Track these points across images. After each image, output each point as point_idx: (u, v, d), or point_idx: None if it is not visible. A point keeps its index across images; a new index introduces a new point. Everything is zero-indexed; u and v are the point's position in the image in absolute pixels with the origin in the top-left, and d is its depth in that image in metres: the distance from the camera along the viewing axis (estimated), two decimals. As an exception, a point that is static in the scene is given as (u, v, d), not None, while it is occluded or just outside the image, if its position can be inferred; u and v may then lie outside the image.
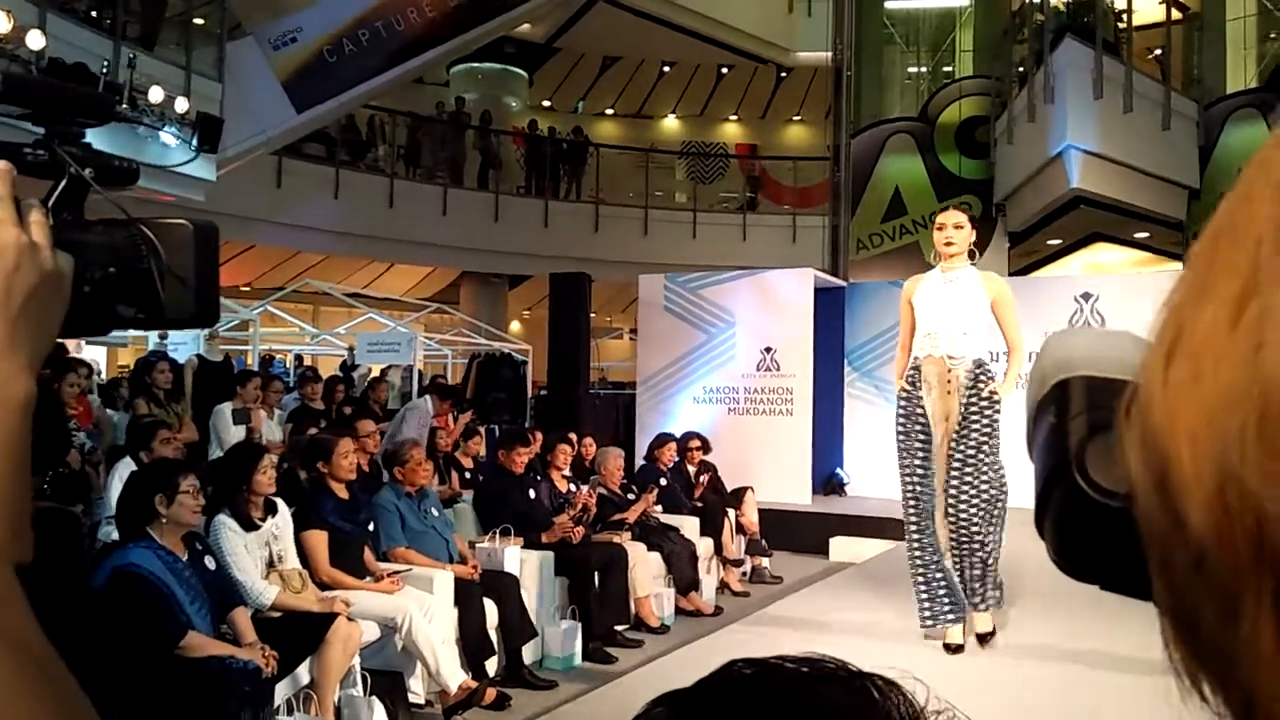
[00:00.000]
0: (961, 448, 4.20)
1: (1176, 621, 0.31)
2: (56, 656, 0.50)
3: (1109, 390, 0.48)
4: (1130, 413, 0.32)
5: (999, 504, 4.26)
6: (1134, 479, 0.31)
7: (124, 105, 7.75)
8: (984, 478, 4.19)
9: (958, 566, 4.26)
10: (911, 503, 4.39)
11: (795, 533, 7.62)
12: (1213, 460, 0.27)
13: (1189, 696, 0.30)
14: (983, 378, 4.23)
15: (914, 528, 4.38)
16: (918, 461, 4.34)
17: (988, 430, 4.20)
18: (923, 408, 4.30)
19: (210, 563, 3.50)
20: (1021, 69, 12.22)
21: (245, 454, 4.10)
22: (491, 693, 4.22)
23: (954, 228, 4.33)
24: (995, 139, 13.00)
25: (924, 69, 15.78)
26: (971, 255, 4.38)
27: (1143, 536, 0.31)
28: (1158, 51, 11.60)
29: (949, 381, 4.25)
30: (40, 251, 0.59)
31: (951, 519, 4.20)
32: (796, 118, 21.07)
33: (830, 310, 9.12)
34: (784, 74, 18.58)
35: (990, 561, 4.26)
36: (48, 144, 0.68)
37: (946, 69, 15.49)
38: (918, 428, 4.33)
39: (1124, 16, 10.51)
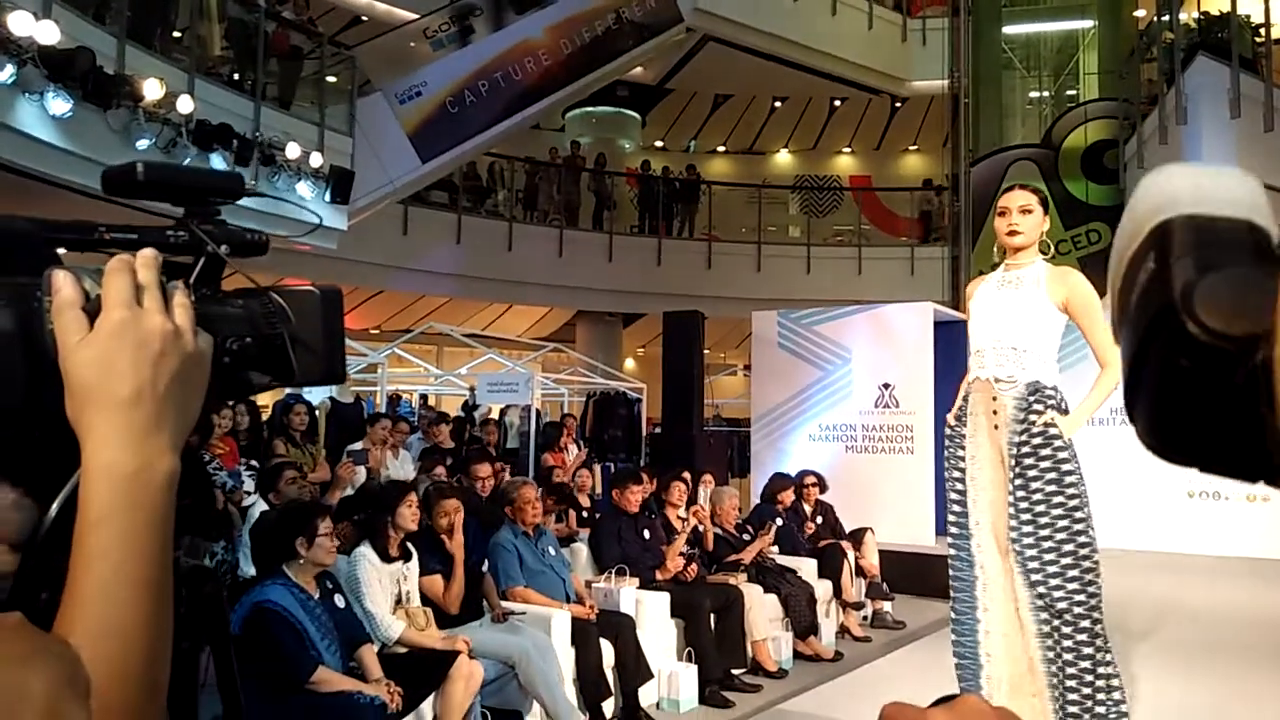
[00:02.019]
0: (1026, 509, 3.11)
1: None
2: None
3: (1216, 230, 0.43)
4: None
5: (1094, 587, 3.06)
6: None
7: (259, 160, 8.26)
8: (1070, 545, 3.06)
9: (1055, 679, 3.08)
10: (952, 568, 3.36)
11: (919, 576, 7.38)
12: None
13: None
14: (1037, 405, 3.12)
15: (953, 591, 3.36)
16: (952, 519, 3.33)
17: (1053, 479, 3.08)
18: (963, 449, 3.29)
19: (340, 601, 3.65)
20: (1151, 89, 11.72)
21: (392, 489, 4.31)
22: (608, 734, 4.23)
23: (1019, 211, 3.24)
24: (1125, 163, 12.47)
25: (1046, 93, 15.29)
26: (1044, 249, 3.30)
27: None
28: (1302, 66, 10.92)
29: (995, 413, 3.21)
30: (183, 336, 0.64)
31: (1041, 600, 3.08)
32: (913, 147, 20.72)
33: (952, 345, 8.84)
34: (899, 104, 18.32)
35: (1100, 670, 3.04)
36: (186, 224, 0.73)
37: (1070, 92, 14.97)
38: (955, 474, 3.32)
39: (1261, 30, 9.95)
